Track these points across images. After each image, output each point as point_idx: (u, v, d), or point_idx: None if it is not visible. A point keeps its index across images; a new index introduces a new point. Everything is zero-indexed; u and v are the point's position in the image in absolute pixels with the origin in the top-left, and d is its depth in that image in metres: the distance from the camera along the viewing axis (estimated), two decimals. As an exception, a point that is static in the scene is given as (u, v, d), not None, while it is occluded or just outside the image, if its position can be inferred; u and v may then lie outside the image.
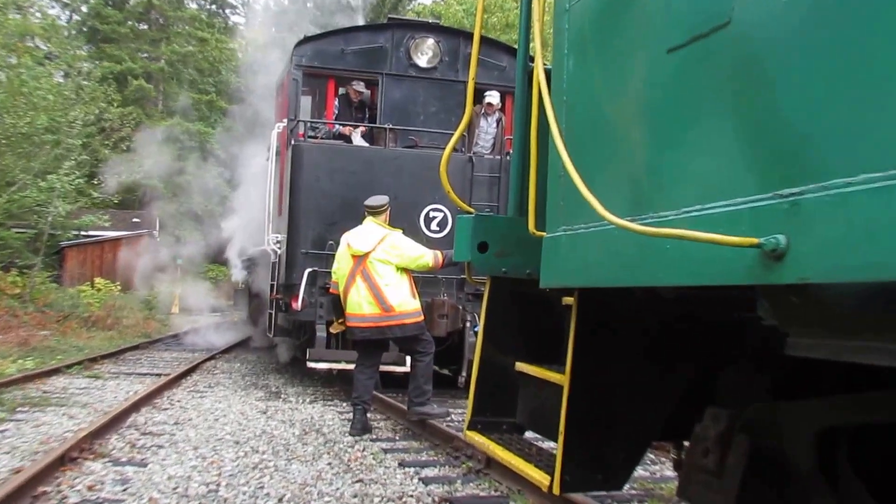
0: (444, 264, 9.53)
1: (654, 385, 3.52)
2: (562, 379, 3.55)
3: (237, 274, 23.98)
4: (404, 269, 9.36)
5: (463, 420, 8.95)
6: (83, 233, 35.66)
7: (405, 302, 9.26)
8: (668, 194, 2.71)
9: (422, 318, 9.40)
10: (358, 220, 9.94)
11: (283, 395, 12.67)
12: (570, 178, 3.02)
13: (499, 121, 13.68)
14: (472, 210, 4.50)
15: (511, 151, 12.52)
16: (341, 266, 9.48)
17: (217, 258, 36.33)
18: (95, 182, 38.13)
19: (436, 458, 8.25)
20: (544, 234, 3.64)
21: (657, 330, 3.46)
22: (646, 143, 2.89)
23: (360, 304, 9.24)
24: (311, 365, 11.96)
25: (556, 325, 4.21)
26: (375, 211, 9.59)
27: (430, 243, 12.37)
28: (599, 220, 2.96)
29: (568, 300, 4.03)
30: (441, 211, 12.69)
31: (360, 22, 30.96)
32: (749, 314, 2.73)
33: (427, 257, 9.42)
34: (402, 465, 7.92)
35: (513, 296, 4.41)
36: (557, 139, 3.21)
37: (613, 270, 2.97)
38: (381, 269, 9.26)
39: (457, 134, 4.46)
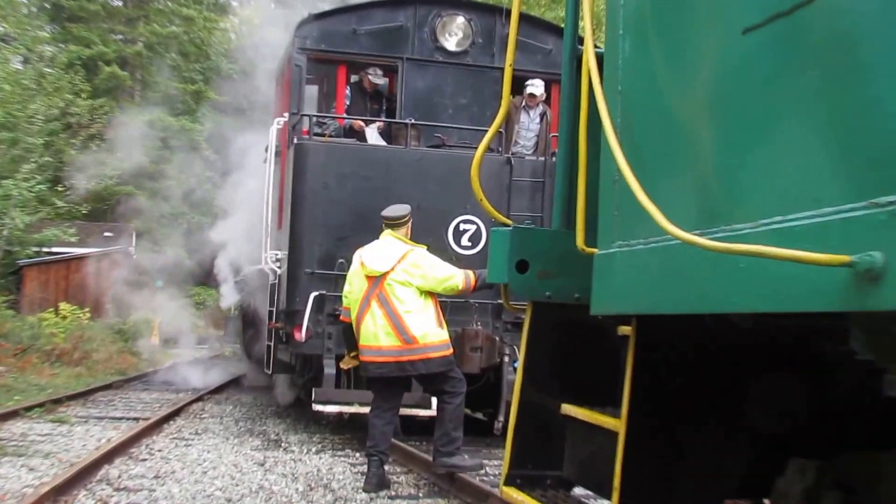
0: (477, 287, 9.53)
1: (727, 431, 3.53)
2: (617, 424, 3.56)
3: (228, 298, 24.08)
4: (429, 293, 9.37)
5: (499, 474, 8.94)
6: (45, 249, 35.93)
7: (430, 332, 9.26)
8: (743, 203, 2.73)
9: (450, 351, 9.41)
10: (373, 235, 9.97)
11: (283, 444, 12.71)
12: (627, 183, 3.04)
13: (543, 115, 13.70)
14: (509, 222, 4.52)
15: (557, 151, 12.54)
16: (354, 289, 9.51)
17: (205, 279, 36.55)
18: (60, 189, 38.46)
19: (467, 520, 8.25)
20: (595, 250, 3.66)
21: (731, 365, 3.47)
22: (716, 142, 2.91)
23: (375, 335, 9.25)
24: (317, 408, 12.00)
25: (610, 360, 4.22)
26: (395, 223, 9.61)
27: (459, 262, 12.40)
28: (661, 233, 2.98)
29: (624, 330, 4.04)
30: (473, 223, 12.73)
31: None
32: (841, 347, 2.74)
33: (457, 279, 9.41)
34: (426, 528, 7.94)
35: (558, 325, 4.43)
36: (611, 137, 3.23)
37: (678, 294, 2.99)
38: (402, 293, 9.26)
39: (491, 130, 4.49)
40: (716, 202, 2.88)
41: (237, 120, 25.59)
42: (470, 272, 9.53)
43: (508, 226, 4.35)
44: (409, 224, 9.70)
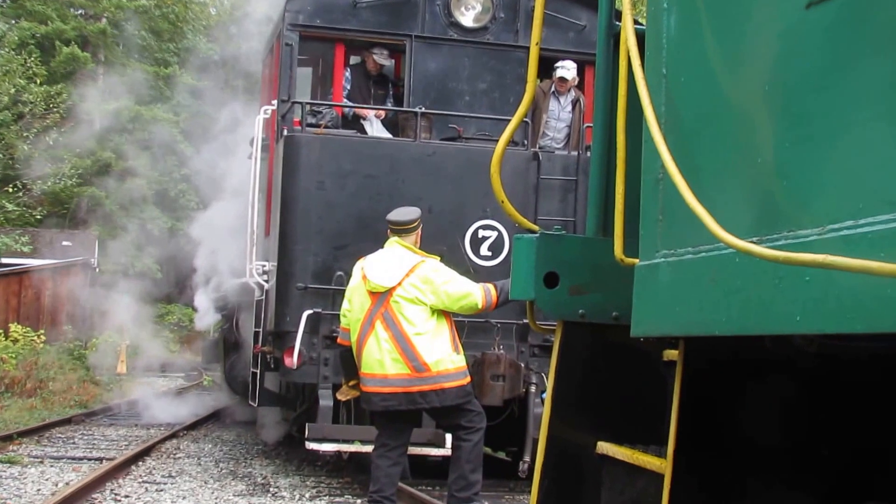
0: (499, 303, 9.51)
1: (791, 472, 3.53)
2: (662, 465, 3.57)
3: (205, 318, 24.12)
4: (442, 312, 9.36)
5: (525, 524, 8.93)
6: (-6, 261, 36.07)
7: (445, 358, 9.23)
8: (808, 206, 2.74)
9: (467, 380, 9.38)
10: (377, 243, 10.00)
11: (272, 489, 12.73)
12: (673, 182, 3.05)
13: (575, 102, 13.73)
14: (536, 227, 4.53)
15: (591, 145, 12.56)
16: (354, 307, 9.48)
17: (180, 295, 36.64)
18: (10, 190, 38.60)
19: (487, 578, 8.26)
20: (636, 261, 3.67)
21: (794, 395, 3.48)
22: (777, 135, 2.92)
23: (381, 362, 9.22)
24: (311, 446, 12.02)
25: (654, 390, 4.23)
26: (402, 229, 9.58)
27: (478, 275, 12.42)
28: (713, 241, 2.99)
29: (671, 354, 4.05)
30: (494, 229, 12.75)
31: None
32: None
33: (475, 296, 9.36)
34: (439, 587, 7.95)
35: (593, 348, 4.44)
36: (654, 128, 3.25)
37: (733, 312, 3.00)
38: (411, 312, 9.23)
39: (515, 120, 4.51)
40: (776, 205, 2.89)
41: (218, 108, 25.66)
42: (490, 286, 9.46)
43: (535, 232, 4.36)
44: (419, 230, 9.68)
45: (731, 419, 3.56)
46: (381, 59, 13.74)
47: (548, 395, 4.52)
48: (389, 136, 13.43)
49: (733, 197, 3.09)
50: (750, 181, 3.04)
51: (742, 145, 3.10)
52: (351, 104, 13.61)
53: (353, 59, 13.99)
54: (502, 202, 4.51)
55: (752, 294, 2.90)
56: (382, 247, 9.64)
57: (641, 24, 3.90)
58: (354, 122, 13.61)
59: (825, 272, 2.53)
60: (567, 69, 13.41)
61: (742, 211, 3.03)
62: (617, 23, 4.22)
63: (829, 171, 2.69)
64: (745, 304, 2.94)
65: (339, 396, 10.07)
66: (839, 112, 2.67)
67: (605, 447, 4.15)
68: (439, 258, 9.67)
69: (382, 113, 13.64)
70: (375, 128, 13.55)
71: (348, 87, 13.76)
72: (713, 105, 3.27)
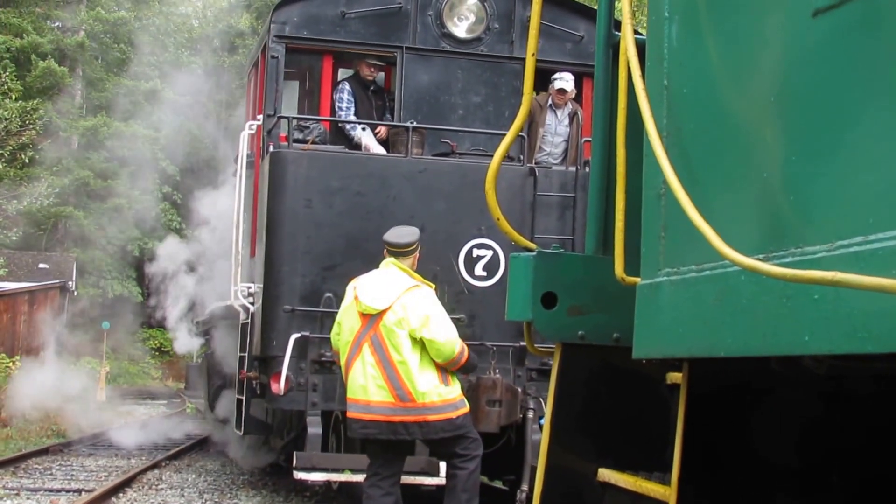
0: (463, 366, 9.45)
1: (800, 497, 3.53)
2: (667, 492, 3.57)
3: (186, 342, 24.13)
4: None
5: (524, 556, 8.91)
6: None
7: (431, 391, 9.14)
8: (816, 221, 2.75)
9: (459, 412, 9.30)
10: (367, 264, 9.99)
11: (258, 521, 12.72)
12: (676, 197, 3.06)
13: (573, 116, 13.74)
14: (533, 246, 4.54)
15: (590, 159, 12.57)
16: (344, 328, 9.45)
17: (163, 320, 36.57)
18: (-16, 210, 38.58)
19: None
20: (638, 280, 3.68)
21: (802, 417, 3.48)
22: (783, 147, 2.93)
23: (364, 388, 9.18)
24: (300, 475, 11.98)
25: (657, 414, 4.24)
26: (400, 251, 9.55)
27: (473, 296, 12.44)
28: (718, 259, 2.99)
29: (674, 377, 4.06)
30: (489, 248, 12.74)
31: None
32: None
33: (456, 345, 9.33)
34: None
35: (594, 371, 4.44)
36: (655, 141, 3.26)
37: (739, 333, 3.00)
38: (398, 338, 9.19)
39: (510, 134, 4.51)
40: (782, 220, 2.90)
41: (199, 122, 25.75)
42: (466, 347, 9.47)
43: (532, 250, 4.37)
44: (418, 253, 9.66)
45: (736, 444, 3.57)
46: (375, 61, 13.71)
47: (546, 421, 4.52)
48: (382, 150, 13.40)
49: (738, 212, 3.10)
50: (755, 196, 3.05)
51: (747, 159, 3.11)
52: (340, 119, 13.57)
53: (343, 72, 13.98)
54: (498, 220, 4.51)
55: (758, 314, 2.90)
56: (377, 266, 9.64)
57: (641, 35, 3.91)
58: (357, 144, 13.48)
59: (835, 290, 2.54)
60: (565, 80, 13.42)
61: (747, 227, 3.03)
62: (616, 33, 4.24)
63: (838, 185, 2.70)
64: (752, 325, 2.94)
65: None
66: (848, 124, 2.68)
67: (606, 474, 4.15)
68: (434, 287, 9.65)
69: (384, 134, 13.56)
70: (370, 142, 13.46)
71: (353, 105, 13.65)
72: (717, 117, 3.28)
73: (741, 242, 2.89)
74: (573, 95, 13.66)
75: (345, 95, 13.68)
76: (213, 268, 18.97)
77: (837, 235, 2.65)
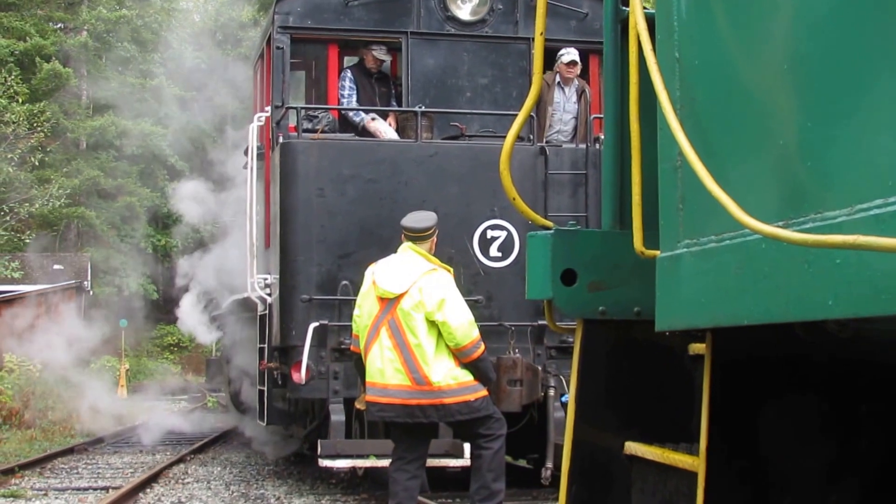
0: (476, 359, 9.39)
1: (830, 468, 3.53)
2: (695, 462, 3.57)
3: (204, 335, 24.15)
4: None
5: (552, 533, 8.92)
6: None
7: (448, 374, 9.11)
8: (835, 186, 2.74)
9: (476, 394, 9.26)
10: (382, 250, 9.98)
11: (286, 510, 12.74)
12: (692, 168, 3.06)
13: (581, 93, 13.72)
14: (550, 224, 4.53)
15: (602, 136, 12.49)
16: (363, 312, 9.43)
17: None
18: (-4, 215, 38.64)
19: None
20: (657, 252, 3.68)
21: (830, 386, 3.47)
22: (799, 113, 2.92)
23: (381, 371, 9.16)
24: (325, 463, 12.01)
25: (682, 386, 4.24)
26: (417, 235, 9.51)
27: (489, 277, 12.46)
28: (738, 228, 2.99)
29: (696, 348, 4.06)
30: (503, 229, 12.74)
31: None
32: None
33: (471, 334, 9.28)
34: None
35: (616, 346, 4.44)
36: (670, 114, 3.26)
37: (761, 300, 3.00)
38: (415, 322, 9.17)
39: (522, 114, 4.51)
40: (801, 187, 2.90)
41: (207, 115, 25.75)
42: (483, 344, 9.40)
43: (549, 228, 4.36)
44: (435, 237, 9.62)
45: (763, 411, 3.57)
46: (381, 54, 13.72)
47: (571, 397, 4.52)
48: (396, 136, 13.40)
49: (756, 181, 3.10)
50: (772, 164, 3.05)
51: (762, 127, 3.10)
52: (348, 107, 13.56)
53: (349, 61, 13.98)
54: (514, 199, 4.51)
55: (780, 280, 2.90)
56: (392, 252, 9.62)
57: (649, 10, 3.91)
58: (367, 133, 13.46)
59: (856, 254, 2.54)
60: (572, 53, 13.37)
61: (765, 195, 3.03)
62: (624, 8, 4.23)
63: (856, 148, 2.69)
64: (774, 292, 2.94)
65: (358, 405, 10.03)
66: (863, 87, 2.67)
67: (633, 447, 4.15)
68: (451, 271, 9.62)
69: (394, 123, 13.57)
70: (383, 129, 13.45)
71: (355, 92, 13.67)
72: (730, 87, 3.28)
73: (760, 210, 2.89)
74: (579, 72, 13.64)
75: (346, 83, 13.70)
76: (228, 261, 18.97)
77: (857, 199, 2.64)
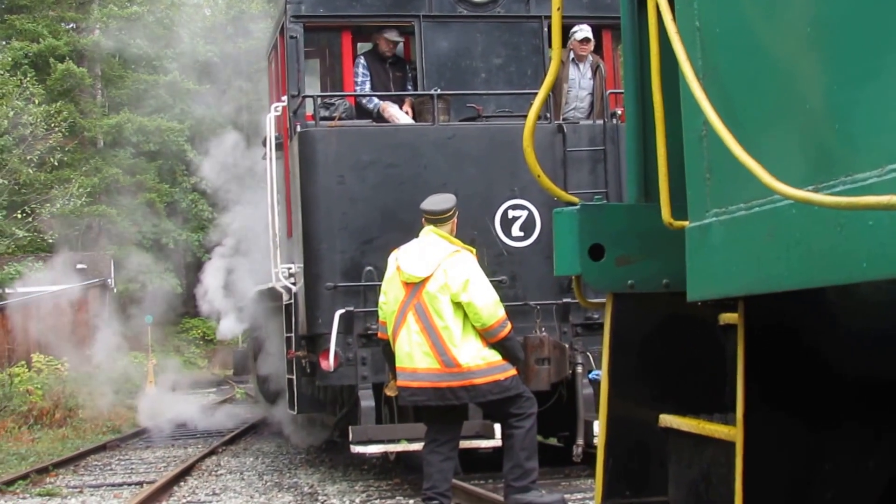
0: (504, 339, 9.36)
1: (873, 434, 3.51)
2: (732, 432, 3.56)
3: (227, 327, 24.17)
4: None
5: (587, 509, 8.92)
6: (7, 290, 36.16)
7: (476, 355, 9.11)
8: (865, 147, 2.72)
9: (506, 374, 9.25)
10: (405, 234, 9.97)
11: (321, 497, 12.76)
12: (719, 136, 3.05)
13: (595, 68, 13.68)
14: (576, 200, 4.52)
15: (621, 110, 12.43)
16: (389, 298, 9.42)
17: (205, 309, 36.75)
18: (19, 216, 38.72)
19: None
20: (686, 223, 3.66)
21: (869, 351, 3.45)
22: (826, 75, 2.90)
23: (410, 355, 9.16)
24: (356, 449, 12.02)
25: (715, 356, 4.23)
26: (438, 218, 9.50)
27: (512, 257, 12.45)
28: (767, 194, 2.98)
29: (727, 318, 4.04)
30: (524, 208, 12.71)
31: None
32: None
33: (497, 313, 9.26)
34: (504, 582, 7.96)
35: (647, 319, 4.43)
36: (693, 83, 3.24)
37: (794, 266, 2.99)
38: (441, 304, 9.16)
39: (542, 91, 4.51)
40: (830, 150, 2.88)
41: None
42: (510, 324, 9.39)
43: (575, 204, 4.35)
44: (456, 218, 9.60)
45: (796, 379, 3.55)
46: (393, 37, 13.70)
47: (604, 372, 4.51)
48: (412, 121, 13.38)
49: (783, 146, 3.08)
50: (799, 128, 3.03)
51: (787, 92, 3.08)
52: (363, 94, 13.54)
53: (362, 47, 13.96)
54: (539, 177, 4.51)
55: (813, 245, 2.89)
56: (415, 236, 9.61)
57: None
58: (383, 119, 13.45)
59: (889, 214, 2.52)
60: (585, 30, 13.33)
61: (793, 160, 3.01)
62: (640, -21, 4.21)
63: (884, 109, 2.67)
64: (807, 256, 2.93)
65: (388, 392, 10.01)
66: (889, 46, 2.65)
67: (668, 419, 4.15)
68: (474, 252, 9.59)
69: (409, 110, 13.55)
70: (396, 114, 13.45)
71: (368, 79, 13.65)
72: (753, 53, 3.25)
73: (788, 176, 2.88)
74: (593, 47, 13.59)
75: (360, 70, 13.70)
76: (250, 252, 19.01)
77: (887, 160, 2.62)
